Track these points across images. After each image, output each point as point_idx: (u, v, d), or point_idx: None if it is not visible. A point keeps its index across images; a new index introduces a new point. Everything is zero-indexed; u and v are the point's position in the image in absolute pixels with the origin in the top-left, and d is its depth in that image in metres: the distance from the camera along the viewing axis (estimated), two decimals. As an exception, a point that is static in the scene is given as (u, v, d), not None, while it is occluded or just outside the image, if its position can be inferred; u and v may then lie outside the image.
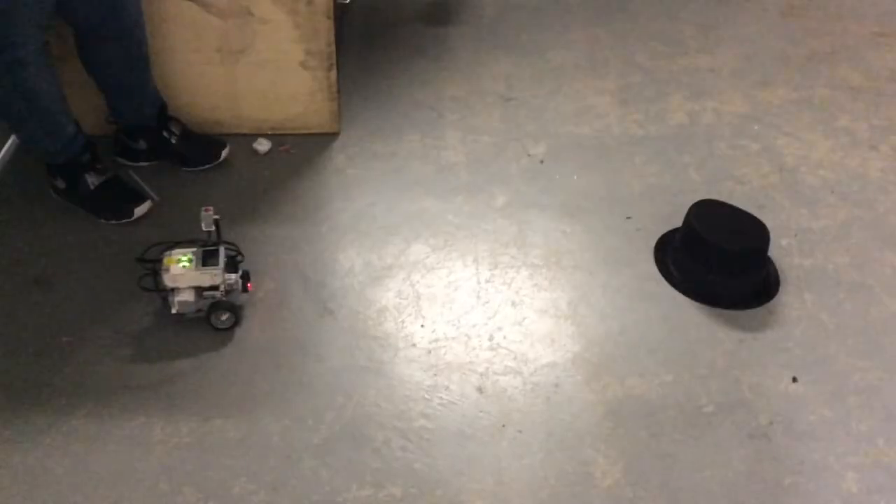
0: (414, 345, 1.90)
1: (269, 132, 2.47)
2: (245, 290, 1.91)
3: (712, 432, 1.72)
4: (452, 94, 2.70)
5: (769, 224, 2.05)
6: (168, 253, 1.84)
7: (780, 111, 2.65)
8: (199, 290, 1.84)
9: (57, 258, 2.09)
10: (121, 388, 1.79)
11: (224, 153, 2.35)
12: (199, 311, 1.88)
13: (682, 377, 1.83)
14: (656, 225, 2.21)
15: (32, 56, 1.84)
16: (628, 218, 2.25)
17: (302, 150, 2.45)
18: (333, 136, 2.50)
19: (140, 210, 2.17)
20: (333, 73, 2.38)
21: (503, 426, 1.73)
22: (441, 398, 1.79)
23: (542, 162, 2.43)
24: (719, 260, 2.00)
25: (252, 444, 1.69)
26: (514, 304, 2.00)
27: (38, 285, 2.02)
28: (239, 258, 1.97)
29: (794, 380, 1.82)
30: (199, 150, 2.34)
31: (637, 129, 2.56)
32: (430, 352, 1.89)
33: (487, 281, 2.06)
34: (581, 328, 1.94)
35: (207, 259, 1.82)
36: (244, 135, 2.45)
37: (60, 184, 2.15)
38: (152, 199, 2.21)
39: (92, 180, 2.13)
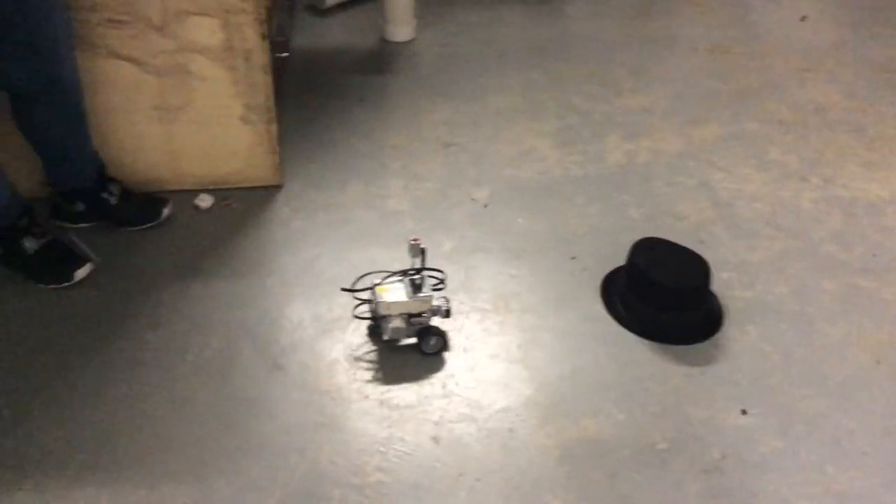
0: (367, 396, 1.88)
1: (211, 188, 2.46)
2: (447, 315, 1.97)
3: (667, 469, 1.73)
4: (394, 143, 2.72)
5: (709, 258, 2.10)
6: (379, 283, 1.95)
7: (713, 147, 2.73)
8: (408, 317, 1.93)
9: (-6, 327, 2.03)
10: (66, 458, 1.73)
11: (166, 211, 2.32)
12: (408, 336, 1.98)
13: (635, 415, 1.85)
14: (601, 264, 2.24)
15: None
16: (573, 258, 2.28)
17: (245, 205, 2.43)
18: (277, 188, 2.50)
19: (81, 273, 2.12)
20: (274, 127, 2.38)
21: (460, 475, 1.72)
22: (396, 450, 1.77)
23: (485, 206, 2.46)
24: (663, 297, 2.03)
25: (204, 510, 1.65)
26: (465, 349, 2.00)
27: (-26, 356, 1.96)
28: (441, 286, 2.02)
29: (744, 412, 1.85)
30: (139, 209, 2.31)
31: (577, 170, 2.61)
32: (382, 403, 1.87)
33: (437, 328, 2.06)
34: (532, 371, 1.95)
35: (415, 287, 1.92)
36: (186, 191, 2.43)
37: (-3, 250, 2.10)
38: (93, 262, 2.17)
39: (30, 245, 2.09)
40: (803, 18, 3.58)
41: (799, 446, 1.78)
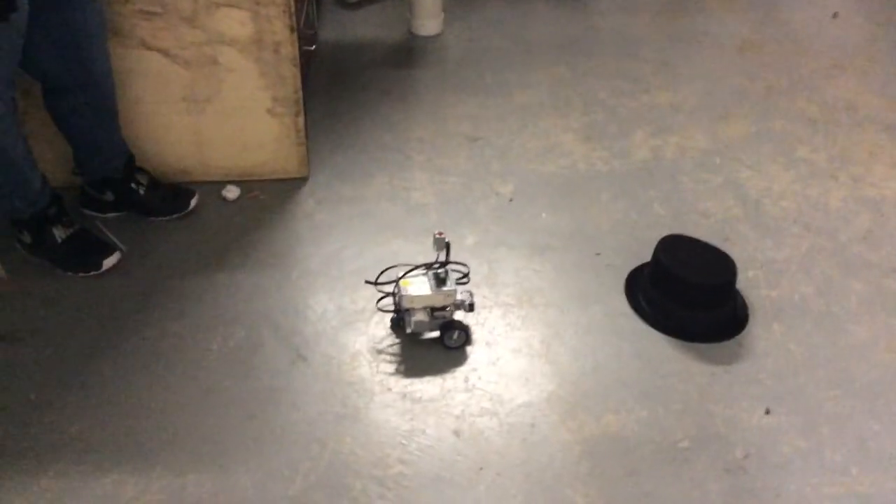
0: (389, 389, 1.89)
1: (238, 179, 2.47)
2: (471, 309, 1.97)
3: (689, 468, 1.72)
4: (419, 136, 2.72)
5: (735, 256, 2.08)
6: (403, 276, 1.95)
7: (740, 144, 2.71)
8: (431, 311, 1.94)
9: (23, 313, 2.06)
10: (91, 445, 1.76)
11: (192, 202, 2.34)
12: (430, 330, 1.98)
13: (657, 412, 1.84)
14: (625, 260, 2.23)
15: (1, 111, 1.83)
16: (597, 254, 2.27)
17: (271, 196, 2.45)
18: (302, 180, 2.51)
19: (108, 262, 2.15)
20: (301, 119, 2.39)
21: (481, 469, 1.72)
22: (418, 443, 1.78)
23: (510, 201, 2.46)
24: (688, 294, 2.02)
25: (226, 498, 1.66)
26: (487, 343, 2.00)
27: (3, 341, 1.98)
28: (465, 280, 2.02)
29: (767, 411, 1.84)
30: (167, 199, 2.33)
31: (602, 166, 2.60)
32: (405, 395, 1.88)
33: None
34: (555, 366, 1.95)
35: (439, 280, 1.92)
36: (212, 182, 2.45)
37: (26, 238, 2.12)
38: (121, 251, 2.20)
39: (59, 234, 2.11)
40: (835, 15, 3.53)
41: (823, 447, 1.77)
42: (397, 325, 2.02)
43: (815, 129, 2.80)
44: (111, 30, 2.12)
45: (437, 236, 1.92)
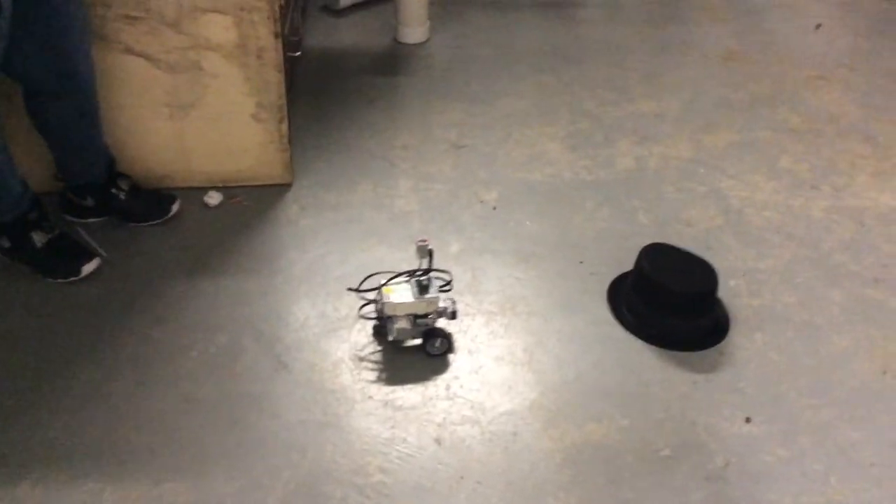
0: (370, 397, 1.88)
1: (221, 185, 2.46)
2: (453, 317, 1.96)
3: (670, 476, 1.72)
4: (404, 143, 2.72)
5: (717, 265, 2.09)
6: (386, 283, 1.94)
7: (723, 154, 2.72)
8: (414, 318, 1.92)
9: (2, 318, 2.04)
10: (69, 452, 1.74)
11: (174, 208, 2.33)
12: (413, 338, 1.98)
13: (639, 421, 1.84)
14: (608, 269, 2.24)
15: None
16: (581, 262, 2.27)
17: (254, 202, 2.44)
18: (286, 186, 2.50)
19: (88, 268, 2.13)
20: (285, 125, 2.39)
21: (462, 478, 1.72)
22: (399, 451, 1.77)
23: (494, 208, 2.46)
24: (670, 302, 2.03)
25: (206, 506, 1.65)
26: (470, 352, 2.00)
27: (-19, 347, 1.97)
28: (448, 287, 2.01)
29: (748, 420, 1.84)
30: (148, 205, 2.32)
31: (587, 175, 2.61)
32: (386, 403, 1.87)
33: (443, 329, 2.06)
34: (537, 375, 1.95)
35: (422, 288, 1.91)
36: (195, 188, 2.44)
37: (5, 242, 2.10)
38: (101, 256, 2.18)
39: (39, 238, 2.09)
40: (818, 27, 3.56)
41: (804, 456, 1.77)
42: (379, 332, 2.02)
43: (798, 140, 2.82)
44: (94, 34, 2.11)
45: (420, 243, 1.92)
